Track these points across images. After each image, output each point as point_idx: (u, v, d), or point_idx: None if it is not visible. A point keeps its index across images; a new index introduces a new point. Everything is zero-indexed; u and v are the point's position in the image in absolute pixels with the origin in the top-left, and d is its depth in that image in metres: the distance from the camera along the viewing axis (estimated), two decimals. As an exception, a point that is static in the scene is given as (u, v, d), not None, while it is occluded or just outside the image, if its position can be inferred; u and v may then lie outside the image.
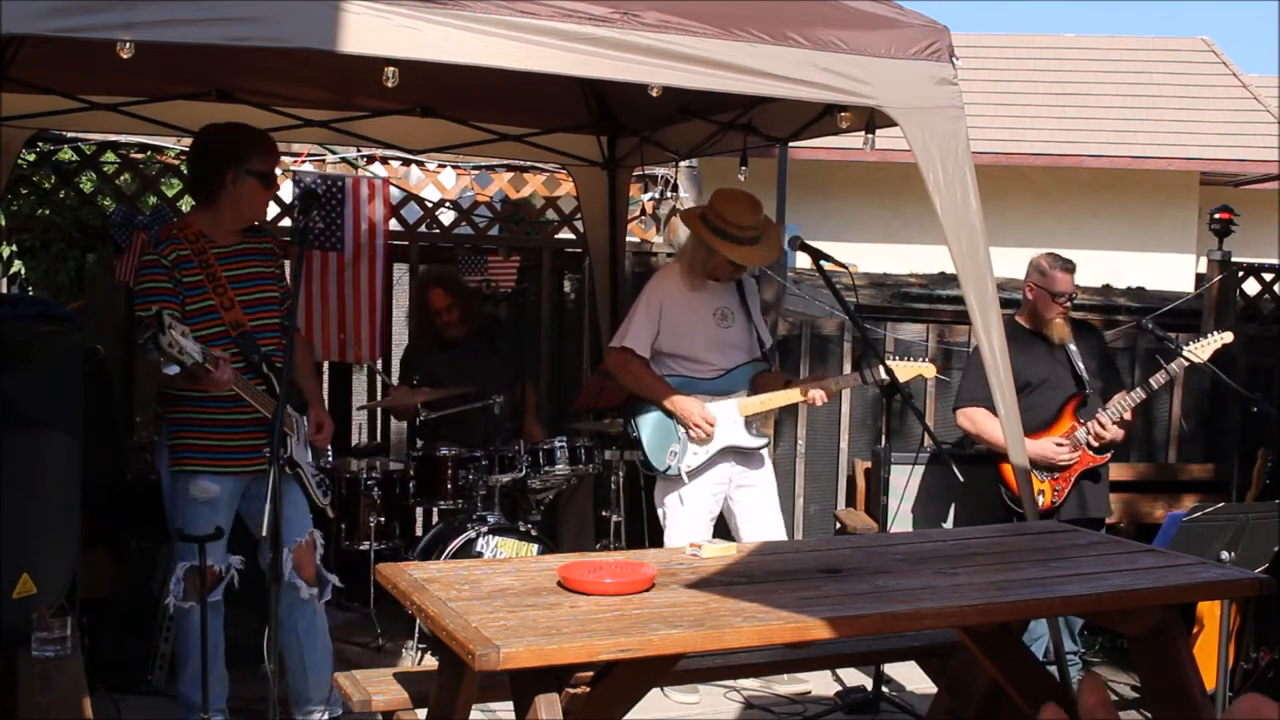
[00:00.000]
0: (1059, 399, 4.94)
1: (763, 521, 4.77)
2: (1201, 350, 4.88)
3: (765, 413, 4.96)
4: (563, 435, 5.13)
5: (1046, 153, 13.89)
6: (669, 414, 4.63)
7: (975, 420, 4.92)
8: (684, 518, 4.68)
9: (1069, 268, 4.98)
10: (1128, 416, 4.90)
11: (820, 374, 4.86)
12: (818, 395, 4.68)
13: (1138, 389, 4.93)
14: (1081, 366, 4.98)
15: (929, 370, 4.93)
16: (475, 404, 5.08)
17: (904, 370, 4.70)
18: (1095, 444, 4.90)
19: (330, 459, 4.28)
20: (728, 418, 4.67)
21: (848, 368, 6.41)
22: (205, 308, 3.84)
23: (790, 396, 4.72)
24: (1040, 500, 4.81)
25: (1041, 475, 4.86)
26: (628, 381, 4.71)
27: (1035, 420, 4.83)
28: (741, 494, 4.79)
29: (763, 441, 4.81)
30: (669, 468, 4.64)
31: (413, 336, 5.80)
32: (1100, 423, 4.86)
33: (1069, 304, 4.99)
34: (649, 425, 4.66)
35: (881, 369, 4.50)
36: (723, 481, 4.74)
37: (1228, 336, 4.94)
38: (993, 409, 4.63)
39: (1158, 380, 4.94)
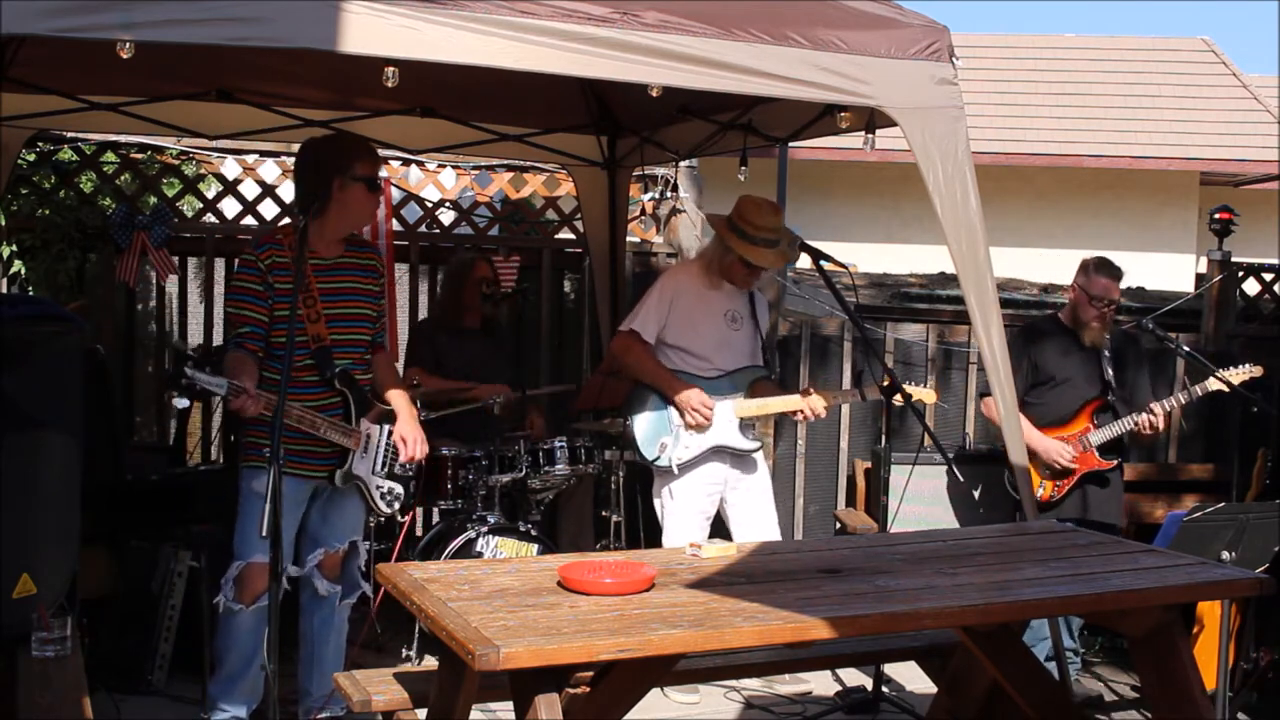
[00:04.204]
0: (1080, 399, 4.97)
1: (758, 523, 4.78)
2: (1233, 377, 4.88)
3: (761, 417, 4.97)
4: (563, 435, 5.12)
5: (1046, 153, 13.88)
6: (666, 401, 4.64)
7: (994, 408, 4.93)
8: (677, 513, 4.69)
9: (1112, 274, 4.99)
10: (1160, 418, 4.91)
11: (813, 390, 4.85)
12: (815, 404, 4.69)
13: (1176, 396, 4.99)
14: (1111, 372, 5.00)
15: (929, 396, 4.94)
16: (475, 404, 5.08)
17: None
18: (1148, 433, 4.92)
19: (410, 469, 4.26)
20: (723, 418, 4.67)
21: (848, 368, 6.42)
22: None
23: (788, 402, 4.73)
24: (1039, 494, 4.83)
25: (1043, 471, 4.87)
26: (629, 365, 4.72)
27: (1051, 415, 4.90)
28: (736, 496, 4.79)
29: (756, 445, 4.81)
30: (658, 459, 4.65)
31: (434, 315, 5.84)
32: (1153, 410, 4.87)
33: (1107, 309, 4.99)
34: (643, 418, 4.68)
35: (886, 378, 4.49)
36: (718, 482, 4.74)
37: (1258, 370, 4.94)
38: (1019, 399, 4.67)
39: (1193, 393, 4.98)
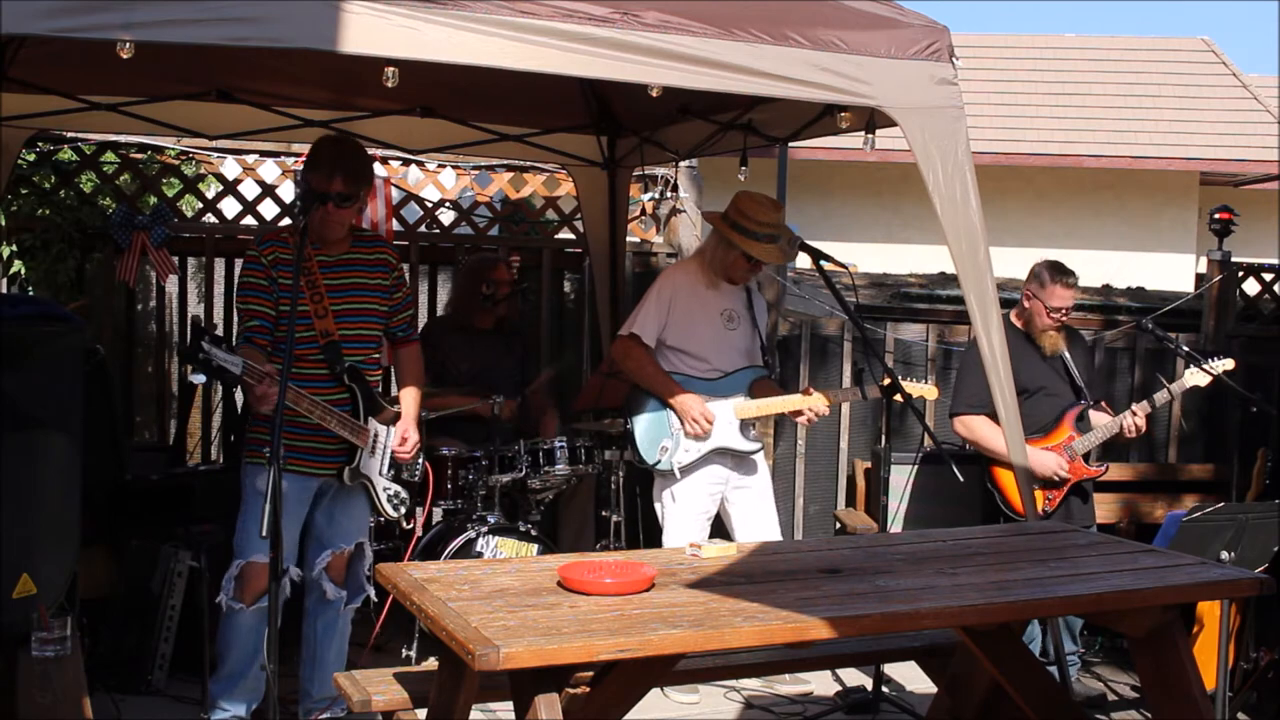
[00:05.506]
0: (1058, 407, 4.90)
1: (758, 523, 4.77)
2: (1200, 377, 4.85)
3: (762, 417, 4.97)
4: (563, 435, 5.12)
5: (1046, 153, 13.90)
6: (665, 406, 4.64)
7: (972, 427, 4.85)
8: (679, 515, 4.69)
9: (1069, 282, 4.86)
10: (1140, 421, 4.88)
11: (813, 389, 4.84)
12: (816, 404, 4.68)
13: (1144, 403, 4.91)
14: (1079, 375, 4.95)
15: (930, 392, 4.91)
16: (476, 405, 5.07)
17: (905, 389, 4.67)
18: (1131, 435, 4.86)
19: (418, 473, 4.28)
20: (723, 419, 4.67)
21: (848, 368, 6.42)
22: (299, 312, 3.83)
23: (789, 403, 4.73)
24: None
25: (1035, 483, 4.80)
26: (630, 369, 4.72)
27: (1032, 426, 4.75)
28: (737, 495, 4.79)
29: (757, 446, 4.81)
30: (659, 462, 4.65)
31: (445, 315, 5.84)
32: (1135, 412, 4.83)
33: (1065, 317, 4.93)
34: (643, 421, 4.67)
35: (886, 377, 4.48)
36: (719, 482, 4.74)
37: (1229, 364, 4.91)
38: (990, 415, 4.57)
39: (1171, 392, 4.92)
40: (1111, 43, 15.98)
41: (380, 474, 4.11)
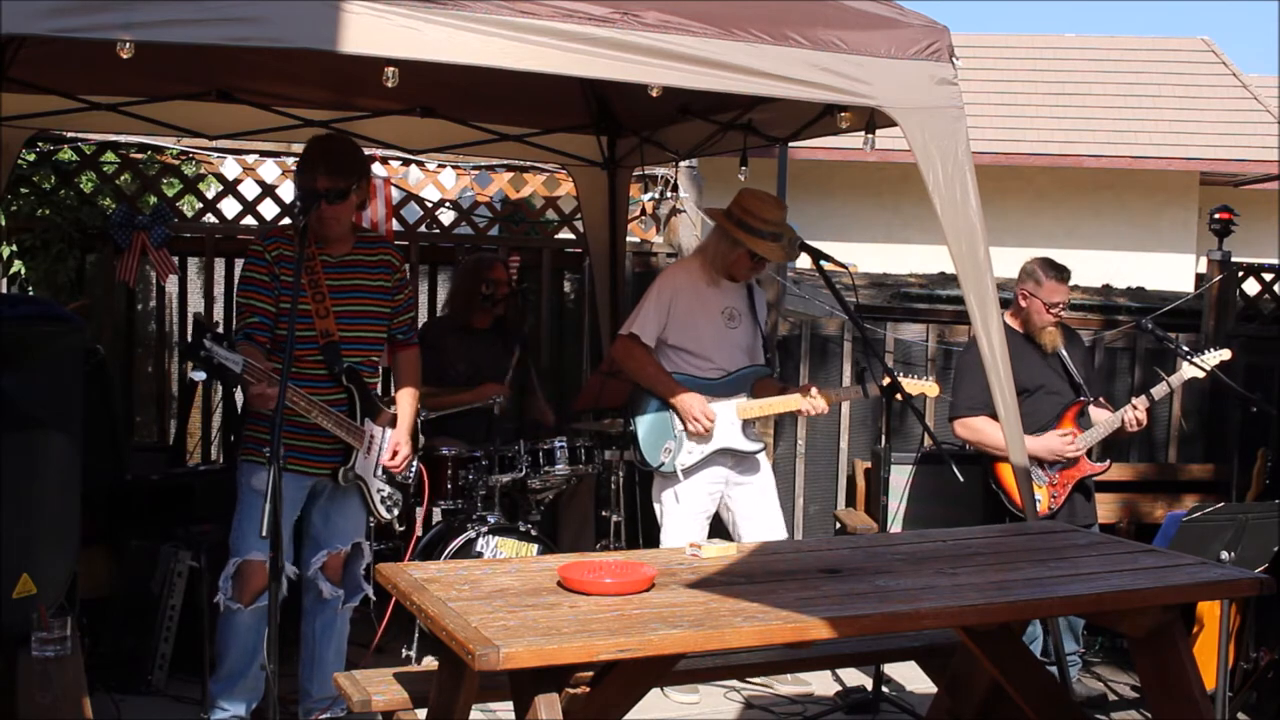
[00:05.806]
0: (1058, 404, 4.89)
1: (762, 519, 4.77)
2: (1205, 362, 4.84)
3: (763, 417, 4.96)
4: (563, 435, 5.12)
5: (1046, 153, 13.89)
6: (668, 407, 4.63)
7: (975, 428, 4.82)
8: (679, 515, 4.68)
9: (1064, 276, 4.88)
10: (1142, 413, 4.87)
11: (815, 387, 4.83)
12: (817, 402, 4.68)
13: (1143, 396, 4.90)
14: (1078, 374, 4.95)
15: (931, 389, 4.89)
16: (476, 404, 5.08)
17: (907, 387, 4.66)
18: (1133, 429, 4.85)
19: (411, 478, 4.28)
20: (725, 419, 4.67)
21: (848, 368, 6.42)
22: (300, 310, 3.81)
23: (790, 403, 4.72)
24: (1037, 505, 4.76)
25: (1040, 479, 4.81)
26: (631, 369, 4.71)
27: (1034, 425, 4.75)
28: (739, 492, 4.78)
29: (759, 446, 4.80)
30: (662, 464, 4.64)
31: (444, 315, 5.85)
32: (1135, 406, 4.81)
33: (1062, 312, 4.93)
34: (646, 422, 4.67)
35: (886, 377, 4.47)
36: (719, 482, 4.74)
37: (1226, 354, 4.90)
38: (992, 414, 4.52)
39: (1170, 384, 4.91)
40: (1111, 43, 15.98)
41: (375, 475, 4.10)
